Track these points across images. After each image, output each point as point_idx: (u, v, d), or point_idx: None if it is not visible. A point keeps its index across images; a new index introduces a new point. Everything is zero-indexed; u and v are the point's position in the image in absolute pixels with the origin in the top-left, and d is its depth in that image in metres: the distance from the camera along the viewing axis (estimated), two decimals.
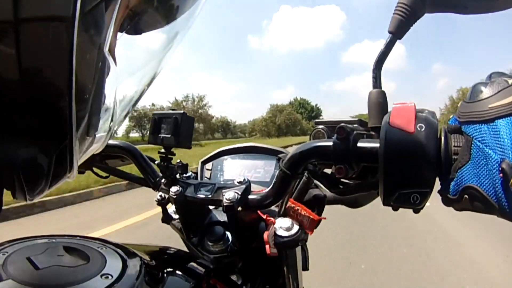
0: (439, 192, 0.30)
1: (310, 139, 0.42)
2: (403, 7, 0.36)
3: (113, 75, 0.22)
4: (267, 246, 0.40)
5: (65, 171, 0.20)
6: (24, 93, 0.17)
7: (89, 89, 0.19)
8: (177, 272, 0.39)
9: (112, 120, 0.25)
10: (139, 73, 0.28)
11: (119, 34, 0.24)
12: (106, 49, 0.20)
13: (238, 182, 0.43)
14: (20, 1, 0.15)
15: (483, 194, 0.26)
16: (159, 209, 0.50)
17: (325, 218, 0.43)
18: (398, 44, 0.38)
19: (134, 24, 0.25)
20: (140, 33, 0.27)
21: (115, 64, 0.23)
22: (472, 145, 0.27)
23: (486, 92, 0.27)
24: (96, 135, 0.23)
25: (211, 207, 0.52)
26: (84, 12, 0.17)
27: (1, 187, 0.20)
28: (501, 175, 0.25)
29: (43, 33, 0.16)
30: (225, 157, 0.62)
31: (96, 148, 0.25)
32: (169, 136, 0.47)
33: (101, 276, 0.28)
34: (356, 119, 0.41)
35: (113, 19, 0.19)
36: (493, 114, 0.26)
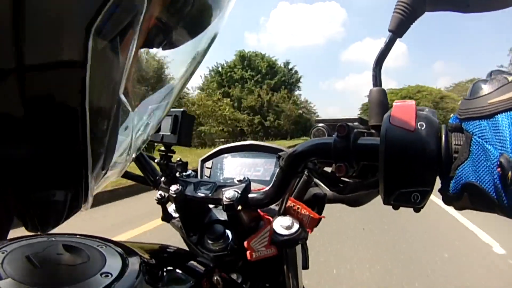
0: (439, 190, 0.30)
1: (310, 137, 0.42)
2: (404, 6, 0.36)
3: (129, 109, 0.22)
4: (248, 253, 0.40)
5: (80, 205, 0.20)
6: (35, 137, 0.16)
7: (104, 131, 0.19)
8: (177, 270, 0.39)
9: (129, 152, 0.25)
10: (158, 96, 0.27)
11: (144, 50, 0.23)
12: (121, 91, 0.19)
13: (238, 181, 0.43)
14: (24, 47, 0.14)
15: (483, 190, 0.26)
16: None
17: (324, 217, 0.43)
18: (399, 42, 0.38)
19: (156, 43, 0.24)
20: (164, 49, 0.25)
21: (130, 103, 0.22)
22: (472, 142, 0.27)
23: (486, 89, 0.27)
24: (113, 167, 0.23)
25: (211, 205, 0.52)
26: (97, 53, 0.15)
27: (11, 219, 0.20)
28: (499, 169, 0.25)
29: (52, 79, 0.15)
30: (225, 155, 0.62)
31: (113, 176, 0.25)
32: (169, 134, 0.47)
33: (101, 274, 0.28)
34: (357, 117, 0.41)
35: (130, 54, 0.18)
36: (493, 110, 0.26)
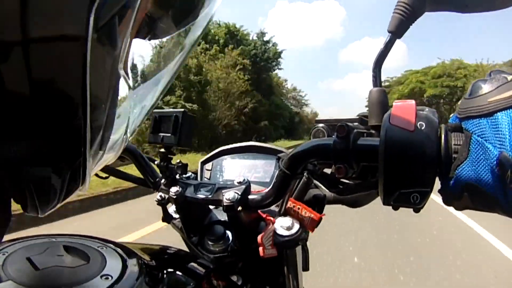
0: (439, 191, 0.30)
1: (310, 138, 0.42)
2: (403, 6, 0.36)
3: (126, 89, 0.22)
4: (260, 249, 0.40)
5: (77, 185, 0.20)
6: (35, 112, 0.16)
7: (103, 107, 0.19)
8: (177, 272, 0.39)
9: (126, 132, 0.25)
10: (154, 80, 0.28)
11: (137, 39, 0.23)
12: (120, 66, 0.19)
13: (238, 183, 0.43)
14: (29, 20, 0.14)
15: (482, 189, 0.26)
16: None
17: (324, 215, 0.43)
18: (399, 42, 0.38)
19: (152, 29, 0.24)
20: (159, 38, 0.26)
21: (129, 78, 0.22)
22: (471, 141, 0.27)
23: (485, 87, 0.27)
24: (109, 148, 0.23)
25: (211, 206, 0.52)
26: (97, 29, 0.16)
27: (9, 200, 0.19)
28: (498, 168, 0.24)
29: (55, 53, 0.16)
30: (225, 157, 0.62)
31: (109, 158, 0.25)
32: (170, 135, 0.47)
33: (101, 277, 0.28)
34: (357, 117, 0.41)
35: (128, 32, 0.19)
36: (493, 108, 0.26)
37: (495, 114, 0.26)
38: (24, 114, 0.16)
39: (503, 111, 0.26)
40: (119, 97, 0.21)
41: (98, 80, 0.18)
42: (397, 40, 0.38)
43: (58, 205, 0.20)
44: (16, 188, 0.18)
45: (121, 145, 0.25)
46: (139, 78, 0.26)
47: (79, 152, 0.18)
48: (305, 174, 0.39)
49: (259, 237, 0.40)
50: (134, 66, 0.24)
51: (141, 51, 0.25)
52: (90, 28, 0.16)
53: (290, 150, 0.38)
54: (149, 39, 0.25)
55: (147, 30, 0.24)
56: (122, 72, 0.20)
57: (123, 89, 0.22)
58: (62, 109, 0.17)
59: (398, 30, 0.37)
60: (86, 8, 0.15)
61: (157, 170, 0.54)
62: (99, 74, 0.18)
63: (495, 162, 0.25)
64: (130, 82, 0.22)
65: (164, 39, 0.26)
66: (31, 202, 0.19)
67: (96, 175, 0.63)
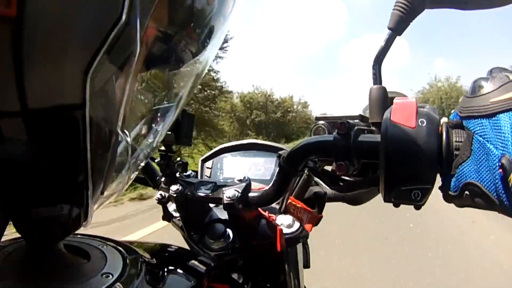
0: (440, 188, 0.30)
1: (310, 135, 0.41)
2: (403, 3, 0.36)
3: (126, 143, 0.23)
4: (279, 243, 0.40)
5: (80, 224, 0.22)
6: (39, 174, 0.18)
7: (103, 163, 0.20)
8: (178, 270, 0.39)
9: (128, 179, 0.26)
10: (155, 125, 0.29)
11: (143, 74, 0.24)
12: (119, 127, 0.20)
13: (238, 180, 0.43)
14: (27, 92, 0.15)
15: (484, 190, 0.26)
16: None
17: (322, 216, 0.43)
18: (400, 39, 0.38)
19: (159, 65, 0.25)
20: (170, 71, 0.27)
21: (128, 136, 0.23)
22: (473, 140, 0.27)
23: (487, 87, 0.27)
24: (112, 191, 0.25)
25: (211, 204, 0.52)
26: (94, 94, 0.17)
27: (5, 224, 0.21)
28: (500, 170, 0.24)
29: (55, 121, 0.16)
30: (225, 154, 0.62)
31: (112, 198, 0.27)
32: (169, 133, 0.47)
33: (102, 275, 0.28)
34: (357, 114, 0.41)
35: (126, 90, 0.19)
36: (495, 109, 0.26)
37: (497, 116, 0.26)
38: (28, 176, 0.18)
39: (505, 113, 0.26)
40: (119, 150, 0.23)
41: (97, 140, 0.19)
42: (398, 37, 0.38)
43: (62, 240, 0.22)
44: (20, 224, 0.20)
45: (122, 187, 0.27)
46: (139, 131, 0.27)
47: (82, 201, 0.20)
48: (305, 171, 0.39)
49: (278, 229, 0.40)
50: (134, 118, 0.25)
51: (148, 86, 0.26)
52: (87, 94, 0.16)
53: (291, 148, 0.38)
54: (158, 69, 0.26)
55: (154, 66, 0.25)
56: (120, 132, 0.21)
57: (123, 142, 0.23)
58: (67, 167, 0.18)
59: (398, 27, 0.37)
60: (82, 75, 0.16)
61: (157, 169, 0.54)
62: (98, 135, 0.19)
63: (497, 164, 0.25)
64: (129, 139, 0.24)
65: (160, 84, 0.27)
66: (34, 237, 0.21)
67: None
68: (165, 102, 0.28)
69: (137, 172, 0.29)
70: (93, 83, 0.16)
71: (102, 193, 0.22)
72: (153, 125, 0.28)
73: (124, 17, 0.16)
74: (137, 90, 0.23)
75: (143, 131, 0.27)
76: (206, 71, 0.30)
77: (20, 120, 0.15)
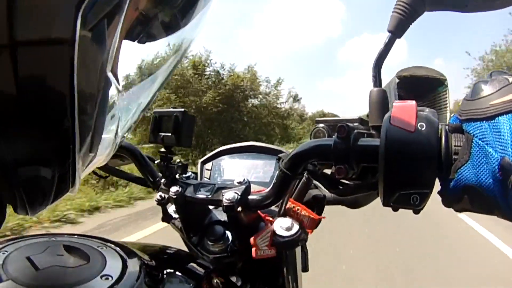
0: (439, 192, 0.30)
1: (310, 138, 0.42)
2: (403, 6, 0.36)
3: (116, 91, 0.22)
4: (253, 250, 0.40)
5: (67, 187, 0.20)
6: (23, 114, 0.17)
7: (92, 110, 0.19)
8: (177, 273, 0.39)
9: (116, 134, 0.25)
10: (147, 81, 0.28)
11: (128, 42, 0.23)
12: (109, 69, 0.19)
13: (238, 183, 0.43)
14: (16, 23, 0.14)
15: (483, 193, 0.26)
16: None
17: (324, 217, 0.43)
18: (399, 39, 0.38)
19: (144, 31, 0.24)
20: (151, 41, 0.26)
21: (119, 81, 0.22)
22: (473, 143, 0.27)
23: (487, 89, 0.27)
24: (100, 150, 0.23)
25: (211, 206, 0.52)
26: (84, 32, 0.16)
27: (2, 202, 0.20)
28: (500, 173, 0.24)
29: (42, 56, 0.16)
30: (225, 157, 0.62)
31: (99, 161, 0.25)
32: (170, 134, 0.47)
33: (101, 277, 0.28)
34: (357, 117, 0.41)
35: (116, 35, 0.19)
36: (494, 111, 0.26)
37: (497, 118, 0.26)
38: (11, 115, 0.16)
39: (504, 115, 0.26)
40: (109, 99, 0.21)
41: (86, 82, 0.18)
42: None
43: (48, 206, 0.20)
44: (6, 188, 0.19)
45: (112, 147, 0.25)
46: (131, 79, 0.25)
47: (68, 154, 0.19)
48: (305, 174, 0.39)
49: (251, 238, 0.40)
50: (125, 67, 0.23)
51: (133, 51, 0.25)
52: (77, 30, 0.16)
53: (291, 151, 0.38)
54: (140, 42, 0.25)
55: (138, 32, 0.24)
56: (110, 75, 0.20)
57: (113, 91, 0.22)
58: (50, 111, 0.17)
59: (397, 30, 0.37)
60: (73, 10, 0.15)
61: (157, 170, 0.54)
62: (87, 77, 0.18)
63: (496, 167, 0.25)
64: (120, 85, 0.22)
65: (157, 41, 0.26)
66: (21, 202, 0.19)
67: (96, 174, 0.63)
68: (148, 72, 0.27)
69: (125, 136, 0.28)
70: (84, 20, 0.16)
71: (90, 149, 0.21)
72: (142, 82, 0.27)
73: None
74: (127, 38, 0.22)
75: (132, 91, 0.26)
76: (185, 52, 0.29)
77: (7, 51, 0.15)
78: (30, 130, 0.17)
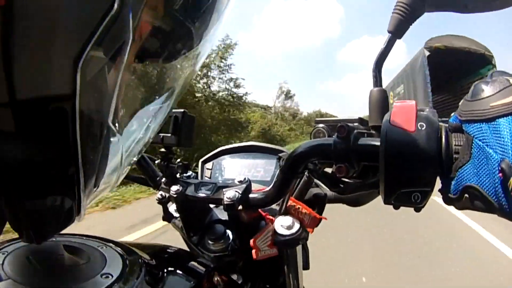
0: (439, 191, 0.30)
1: (310, 138, 0.42)
2: (403, 6, 0.36)
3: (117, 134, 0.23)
4: (253, 251, 0.40)
5: (73, 217, 0.21)
6: (29, 166, 0.17)
7: (95, 157, 0.20)
8: (178, 271, 0.39)
9: (120, 166, 0.26)
10: (147, 112, 0.28)
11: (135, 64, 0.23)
12: (110, 120, 0.20)
13: (238, 181, 0.43)
14: (15, 83, 0.14)
15: (483, 194, 0.26)
16: None
17: (326, 219, 0.43)
18: (398, 41, 0.38)
19: (151, 57, 0.24)
20: (163, 63, 0.26)
21: (121, 133, 0.23)
22: (473, 144, 0.27)
23: (487, 90, 0.27)
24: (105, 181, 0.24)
25: (212, 205, 0.52)
26: (85, 85, 0.16)
27: (3, 224, 0.20)
28: (500, 174, 0.24)
29: (44, 112, 0.16)
30: (226, 156, 0.62)
31: (105, 191, 0.26)
32: (170, 135, 0.47)
33: (101, 275, 0.28)
34: (357, 117, 0.41)
35: (117, 82, 0.19)
36: (494, 113, 0.26)
37: (497, 120, 0.26)
38: (21, 166, 0.17)
39: (505, 117, 0.26)
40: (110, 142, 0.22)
41: (88, 134, 0.18)
42: (398, 40, 0.38)
43: (55, 234, 0.22)
44: (14, 218, 0.19)
45: (117, 177, 0.26)
46: (130, 114, 0.26)
47: (74, 194, 0.20)
48: (306, 173, 0.39)
49: (251, 241, 0.41)
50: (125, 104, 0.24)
51: (141, 78, 0.25)
52: (77, 86, 0.16)
53: (291, 150, 0.38)
54: (150, 62, 0.25)
55: (147, 58, 0.24)
56: (111, 125, 0.20)
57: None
58: (57, 160, 0.18)
59: (397, 30, 0.37)
60: (72, 65, 0.15)
61: (158, 170, 0.54)
62: (88, 129, 0.18)
63: (497, 168, 0.25)
64: (120, 132, 0.23)
65: (157, 71, 0.27)
66: (26, 231, 0.20)
67: None
68: (157, 97, 0.27)
69: (129, 167, 0.29)
70: (84, 73, 0.16)
71: (95, 186, 0.22)
72: (145, 120, 0.28)
73: (116, 6, 0.16)
74: (129, 83, 0.23)
75: (135, 126, 0.27)
76: (199, 67, 0.29)
77: (9, 111, 0.15)
78: (39, 174, 0.18)
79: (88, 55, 0.16)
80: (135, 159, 0.29)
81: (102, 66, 0.17)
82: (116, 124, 0.21)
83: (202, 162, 0.63)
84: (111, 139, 0.22)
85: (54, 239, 0.34)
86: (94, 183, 0.21)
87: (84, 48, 0.15)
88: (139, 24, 0.19)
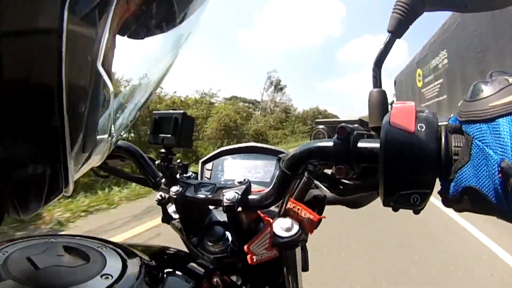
0: (439, 192, 0.30)
1: (310, 139, 0.42)
2: (402, 6, 0.36)
3: (109, 90, 0.21)
4: (248, 257, 0.40)
5: (60, 188, 0.19)
6: (9, 110, 0.16)
7: (82, 107, 0.18)
8: (177, 272, 0.39)
9: (110, 134, 0.24)
10: (143, 79, 0.27)
11: (121, 37, 0.23)
12: (99, 63, 0.18)
13: (238, 182, 0.43)
14: (2, 13, 0.14)
15: (483, 195, 0.26)
16: None
17: (324, 217, 0.43)
18: (399, 40, 0.38)
19: (136, 27, 0.24)
20: (143, 38, 0.25)
21: (111, 80, 0.21)
22: (473, 145, 0.27)
23: (486, 91, 0.27)
24: (94, 150, 0.22)
25: (211, 207, 0.52)
26: (73, 22, 0.15)
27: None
28: (500, 175, 0.24)
29: (28, 47, 0.15)
30: (226, 157, 0.62)
31: (94, 161, 0.24)
32: (169, 136, 0.47)
33: (101, 276, 0.28)
34: (357, 119, 0.41)
35: (106, 28, 0.18)
36: (494, 113, 0.26)
37: (497, 120, 0.26)
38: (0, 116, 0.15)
39: (504, 117, 0.25)
40: (102, 97, 0.20)
41: (76, 77, 0.17)
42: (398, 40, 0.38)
43: (41, 208, 0.20)
44: None
45: (107, 147, 0.25)
46: (124, 77, 0.25)
47: (58, 154, 0.18)
48: (305, 174, 0.39)
49: (245, 246, 0.41)
50: (119, 65, 0.22)
51: (126, 49, 0.24)
52: (65, 21, 0.15)
53: (291, 151, 0.38)
54: (133, 37, 0.24)
55: (131, 27, 0.23)
56: (101, 69, 0.19)
57: (106, 89, 0.21)
58: (37, 107, 0.16)
59: (397, 30, 0.37)
60: (60, 0, 0.15)
61: (158, 170, 0.54)
62: (76, 71, 0.17)
63: (496, 169, 0.25)
64: (112, 83, 0.21)
65: (152, 38, 0.26)
66: (11, 204, 0.18)
67: (97, 174, 0.63)
68: (146, 65, 0.27)
69: (123, 134, 0.27)
70: (73, 10, 0.15)
71: (83, 149, 0.20)
72: (137, 81, 0.27)
73: None
74: (117, 42, 0.22)
75: (128, 86, 0.26)
76: (180, 51, 0.28)
77: None
78: (17, 129, 0.16)
79: None
80: (129, 122, 0.27)
81: (93, 6, 0.16)
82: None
83: (202, 162, 0.63)
84: (102, 94, 0.20)
85: (54, 240, 0.34)
86: (82, 145, 0.19)
87: None
88: None
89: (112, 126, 0.24)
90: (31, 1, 0.15)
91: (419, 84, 7.47)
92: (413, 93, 7.95)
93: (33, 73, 0.16)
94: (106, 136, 0.24)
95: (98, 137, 0.22)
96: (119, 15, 0.20)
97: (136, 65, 0.27)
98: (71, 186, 0.20)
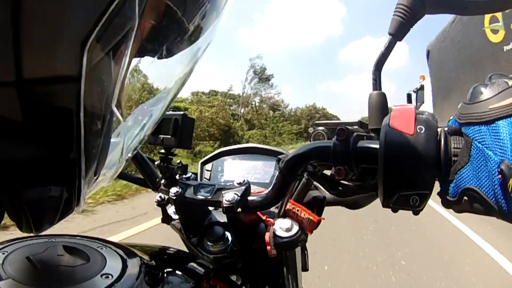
0: (438, 194, 0.30)
1: (310, 141, 0.42)
2: (403, 9, 0.36)
3: (122, 123, 0.23)
4: (268, 247, 0.40)
5: (72, 207, 0.21)
6: (32, 147, 0.17)
7: (97, 141, 0.20)
8: (177, 272, 0.39)
9: (121, 156, 0.26)
10: (150, 102, 0.28)
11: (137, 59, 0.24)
12: (113, 104, 0.20)
13: (237, 183, 0.43)
14: (23, 61, 0.15)
15: (483, 196, 0.26)
16: None
17: (324, 219, 0.43)
18: (400, 43, 0.38)
19: (149, 52, 0.24)
20: (159, 58, 0.26)
21: (122, 113, 0.23)
22: (472, 147, 0.27)
23: (486, 93, 0.27)
24: (105, 173, 0.24)
25: (211, 207, 0.53)
26: (91, 67, 0.16)
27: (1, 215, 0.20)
28: (499, 176, 0.24)
29: (49, 93, 0.16)
30: (225, 158, 0.62)
31: (104, 182, 0.26)
32: (169, 136, 0.47)
33: (101, 276, 0.28)
34: (356, 120, 0.42)
35: (123, 64, 0.19)
36: (493, 115, 0.26)
37: (496, 122, 0.26)
38: (22, 145, 0.17)
39: (504, 119, 0.26)
40: (112, 128, 0.22)
41: (92, 117, 0.18)
42: (399, 42, 0.38)
43: (54, 224, 0.21)
44: (12, 207, 0.19)
45: (117, 168, 0.26)
46: (133, 102, 0.26)
47: (74, 180, 0.19)
48: (305, 175, 0.40)
49: (266, 236, 0.40)
50: (127, 91, 0.24)
51: (141, 72, 0.25)
52: (84, 66, 0.16)
53: (291, 152, 0.38)
54: (156, 57, 0.25)
55: (144, 54, 0.24)
56: (115, 109, 0.20)
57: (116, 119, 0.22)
58: (57, 144, 0.18)
59: (398, 33, 0.37)
60: (79, 47, 0.15)
61: (157, 171, 0.54)
62: (92, 112, 0.18)
63: (496, 170, 0.25)
64: (123, 116, 0.23)
65: (161, 61, 0.26)
66: (26, 221, 0.20)
67: None
68: (157, 90, 0.28)
69: (131, 156, 0.28)
70: (90, 55, 0.16)
71: (95, 174, 0.22)
72: (142, 116, 0.28)
73: None
74: (132, 74, 0.23)
75: (131, 122, 0.27)
76: (195, 66, 0.29)
77: (14, 90, 0.15)
78: (38, 161, 0.18)
79: (96, 38, 0.16)
80: (137, 146, 0.29)
81: (109, 49, 0.17)
82: (119, 110, 0.21)
83: (202, 163, 0.63)
84: (113, 124, 0.21)
85: (54, 240, 0.34)
86: (95, 171, 0.21)
87: (92, 30, 0.16)
88: (145, 11, 0.19)
89: (123, 149, 0.25)
90: (50, 49, 0.15)
91: (493, 37, 3.85)
92: (480, 56, 4.15)
93: (54, 114, 0.17)
94: (117, 157, 0.25)
95: (109, 159, 0.24)
96: (137, 46, 0.21)
97: (142, 89, 0.28)
98: (82, 205, 0.22)
